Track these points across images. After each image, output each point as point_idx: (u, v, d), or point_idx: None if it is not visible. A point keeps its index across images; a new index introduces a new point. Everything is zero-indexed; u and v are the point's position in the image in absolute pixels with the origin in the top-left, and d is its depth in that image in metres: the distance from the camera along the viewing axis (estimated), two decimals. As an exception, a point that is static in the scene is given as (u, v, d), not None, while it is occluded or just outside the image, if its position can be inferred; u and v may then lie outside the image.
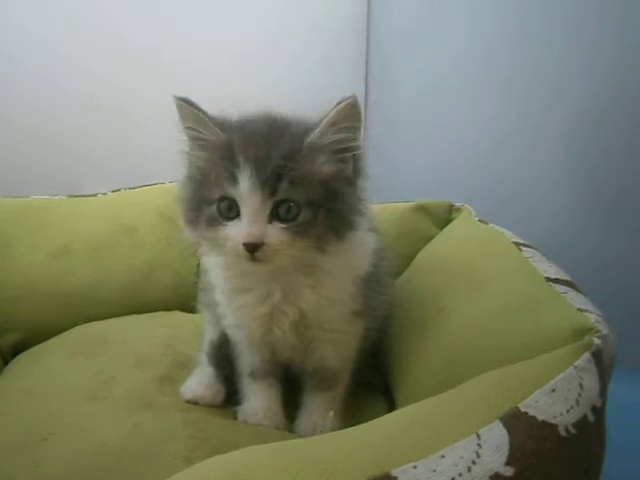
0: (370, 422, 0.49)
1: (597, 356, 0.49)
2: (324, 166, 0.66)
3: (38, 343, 1.03)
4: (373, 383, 0.90)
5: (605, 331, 0.53)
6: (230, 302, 0.76)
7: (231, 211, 0.65)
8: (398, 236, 1.07)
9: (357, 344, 0.80)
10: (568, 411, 0.45)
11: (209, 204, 0.66)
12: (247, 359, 0.80)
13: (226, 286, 0.75)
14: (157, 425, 0.73)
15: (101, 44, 1.41)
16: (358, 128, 0.67)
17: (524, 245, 0.82)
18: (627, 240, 1.06)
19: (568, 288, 0.66)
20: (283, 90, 1.48)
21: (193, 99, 0.66)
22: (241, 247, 0.63)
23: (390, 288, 0.87)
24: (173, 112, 0.67)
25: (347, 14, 1.67)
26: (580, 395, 0.46)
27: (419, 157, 1.56)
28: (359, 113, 0.66)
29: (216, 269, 0.76)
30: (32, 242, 1.08)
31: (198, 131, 0.66)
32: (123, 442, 0.69)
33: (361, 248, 0.75)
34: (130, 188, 1.25)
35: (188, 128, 0.67)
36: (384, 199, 1.21)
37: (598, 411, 0.46)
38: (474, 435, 0.42)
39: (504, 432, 0.42)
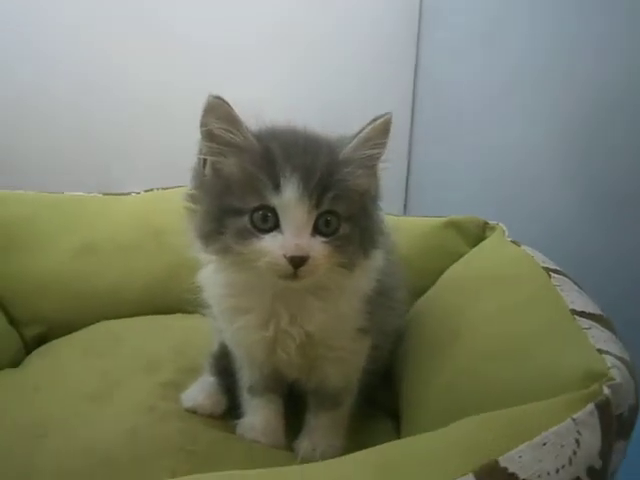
0: (335, 460, 0.45)
1: (603, 409, 0.43)
2: (360, 179, 0.64)
3: (60, 337, 1.04)
4: (383, 406, 0.86)
5: (619, 379, 0.46)
6: (229, 323, 0.71)
7: (266, 222, 0.60)
8: (425, 252, 1.03)
9: (362, 363, 0.76)
10: (558, 471, 0.39)
11: (238, 215, 0.61)
12: (246, 374, 0.77)
13: (223, 305, 0.71)
14: (151, 433, 0.72)
15: (138, 42, 1.44)
16: (386, 145, 0.66)
17: (554, 271, 0.76)
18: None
19: (593, 323, 0.60)
20: (334, 106, 1.45)
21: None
22: (284, 261, 0.58)
23: (400, 303, 0.83)
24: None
25: (396, 32, 1.64)
26: (575, 453, 0.40)
27: (462, 173, 1.50)
28: (389, 131, 0.65)
29: (212, 287, 0.72)
30: (60, 238, 1.10)
31: (232, 134, 0.62)
32: (113, 447, 0.68)
33: (373, 266, 0.71)
34: (163, 188, 1.26)
35: (221, 130, 0.62)
36: (422, 212, 1.17)
37: (596, 474, 0.41)
38: (441, 489, 0.37)
39: (475, 489, 0.37)
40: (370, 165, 0.65)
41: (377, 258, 0.71)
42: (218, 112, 0.61)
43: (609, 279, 1.02)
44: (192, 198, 0.66)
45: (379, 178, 0.69)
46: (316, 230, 0.61)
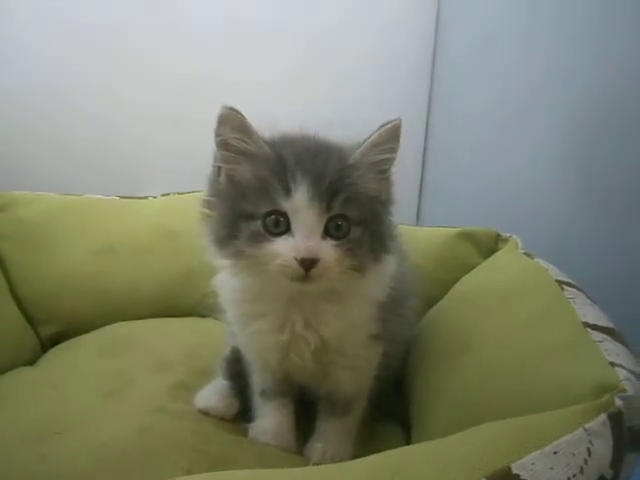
0: (348, 463, 0.46)
1: (615, 419, 0.44)
2: (370, 184, 0.65)
3: (76, 336, 1.06)
4: (394, 414, 0.86)
5: (631, 391, 0.47)
6: (243, 328, 0.73)
7: (278, 226, 0.62)
8: (438, 262, 1.04)
9: (374, 370, 0.77)
10: (569, 479, 0.40)
11: (251, 219, 0.63)
12: (258, 378, 0.78)
13: (238, 311, 0.73)
14: (164, 432, 0.72)
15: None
16: (396, 151, 0.67)
17: (568, 284, 0.76)
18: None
19: (605, 336, 0.60)
20: (349, 118, 1.46)
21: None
22: (294, 264, 0.60)
23: (412, 311, 0.84)
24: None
25: (413, 47, 1.65)
26: (586, 462, 0.41)
27: (474, 185, 1.51)
28: (399, 136, 0.66)
29: (227, 292, 0.73)
30: (78, 239, 1.12)
31: (246, 143, 0.64)
32: (127, 445, 0.69)
33: (385, 271, 0.72)
34: (180, 193, 1.28)
35: (235, 139, 0.64)
36: (432, 223, 1.17)
37: (607, 483, 0.41)
38: (453, 493, 0.38)
39: (487, 494, 0.38)
40: (380, 170, 0.66)
41: (389, 263, 0.72)
42: (232, 122, 0.63)
43: (625, 293, 1.02)
44: (208, 204, 0.68)
45: (391, 184, 0.69)
46: (327, 233, 0.62)
